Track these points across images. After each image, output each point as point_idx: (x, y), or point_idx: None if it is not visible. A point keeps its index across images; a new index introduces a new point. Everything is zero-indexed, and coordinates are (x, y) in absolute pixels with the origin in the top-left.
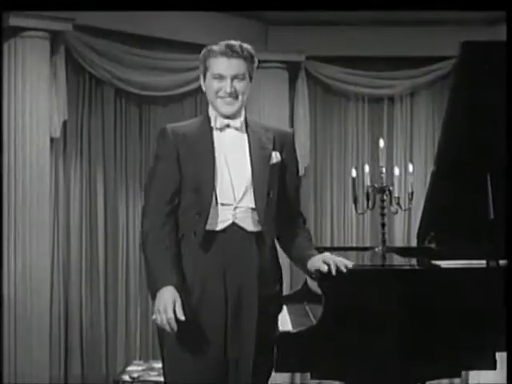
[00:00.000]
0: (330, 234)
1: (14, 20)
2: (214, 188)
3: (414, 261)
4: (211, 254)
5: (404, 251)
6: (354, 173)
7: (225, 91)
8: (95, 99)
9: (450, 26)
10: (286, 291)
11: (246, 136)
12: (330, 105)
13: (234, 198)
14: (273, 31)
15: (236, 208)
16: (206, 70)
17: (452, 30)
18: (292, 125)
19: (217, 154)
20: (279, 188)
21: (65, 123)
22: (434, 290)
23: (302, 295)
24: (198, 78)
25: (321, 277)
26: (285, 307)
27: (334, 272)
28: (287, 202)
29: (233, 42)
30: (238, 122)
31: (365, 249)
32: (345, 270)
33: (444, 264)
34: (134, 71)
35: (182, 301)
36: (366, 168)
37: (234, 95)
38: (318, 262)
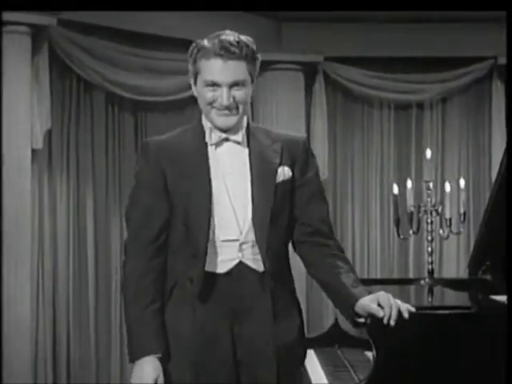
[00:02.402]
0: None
1: None
2: (210, 221)
3: (470, 298)
4: (214, 303)
5: (454, 284)
6: (395, 189)
7: (221, 103)
8: (84, 105)
9: (486, 23)
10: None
11: (247, 150)
12: (351, 112)
13: (240, 231)
14: (287, 29)
15: (243, 244)
16: (196, 73)
17: (489, 27)
18: (308, 134)
19: (213, 177)
20: (294, 210)
21: (49, 133)
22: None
23: (332, 337)
24: None
25: (372, 324)
26: (313, 353)
27: (391, 321)
28: (308, 226)
29: (229, 38)
30: (240, 134)
31: (407, 281)
32: (407, 316)
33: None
34: (128, 73)
35: (167, 375)
36: (409, 183)
37: (233, 106)
38: (371, 303)
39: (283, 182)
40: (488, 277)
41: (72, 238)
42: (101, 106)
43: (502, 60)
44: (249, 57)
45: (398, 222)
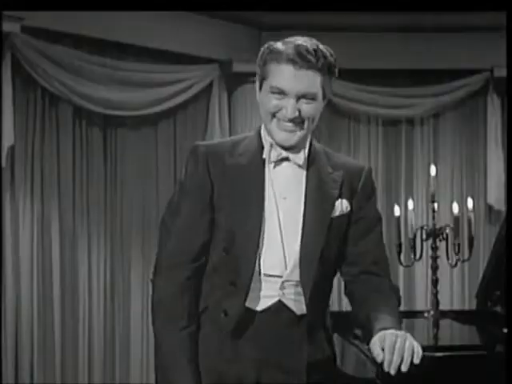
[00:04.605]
0: (336, 294)
1: None
2: (258, 251)
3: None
4: (244, 341)
5: (462, 316)
6: (397, 211)
7: (284, 115)
8: (49, 120)
9: (481, 33)
10: None
11: (305, 174)
12: (338, 128)
13: (285, 266)
14: (267, 38)
15: (285, 281)
16: (263, 77)
17: (484, 37)
18: None
19: (267, 201)
20: (345, 247)
21: (12, 149)
22: None
23: None
24: (176, 94)
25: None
26: None
27: (391, 370)
28: (357, 266)
29: (306, 44)
30: (302, 156)
31: (410, 314)
32: (405, 369)
33: None
34: (97, 85)
35: None
36: (410, 204)
37: (298, 121)
38: (375, 344)
39: (340, 216)
40: (498, 308)
41: (36, 266)
42: (68, 121)
43: (499, 72)
44: (325, 69)
45: (400, 248)
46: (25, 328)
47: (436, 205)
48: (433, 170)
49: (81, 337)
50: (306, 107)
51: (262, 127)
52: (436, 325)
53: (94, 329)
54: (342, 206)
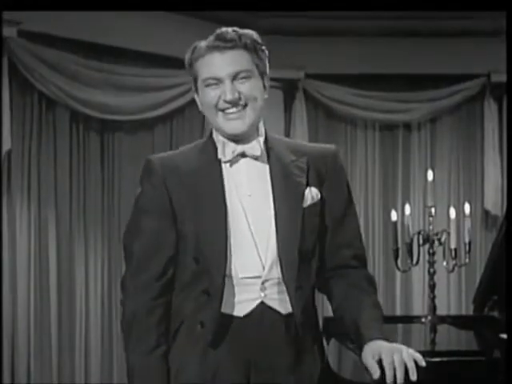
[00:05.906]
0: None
1: None
2: (227, 255)
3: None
4: (228, 351)
5: (460, 321)
6: (394, 215)
7: (224, 100)
8: (46, 124)
9: (478, 37)
10: None
11: (267, 167)
12: (334, 132)
13: (262, 266)
14: (265, 42)
15: (265, 281)
16: (194, 78)
17: (481, 42)
18: None
19: (229, 202)
20: (321, 239)
21: (8, 154)
22: None
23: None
24: (173, 99)
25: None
26: None
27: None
28: (335, 257)
29: (225, 29)
30: (257, 147)
31: (408, 319)
32: (414, 378)
33: None
34: (94, 89)
35: None
36: (407, 209)
37: (241, 103)
38: (371, 357)
39: (311, 206)
40: (495, 313)
41: (33, 270)
42: (64, 125)
43: (496, 77)
44: (251, 47)
45: (397, 253)
46: (22, 331)
47: (433, 210)
48: (430, 175)
49: (77, 340)
50: (244, 87)
51: (213, 130)
52: (433, 330)
53: (91, 332)
54: (311, 194)
